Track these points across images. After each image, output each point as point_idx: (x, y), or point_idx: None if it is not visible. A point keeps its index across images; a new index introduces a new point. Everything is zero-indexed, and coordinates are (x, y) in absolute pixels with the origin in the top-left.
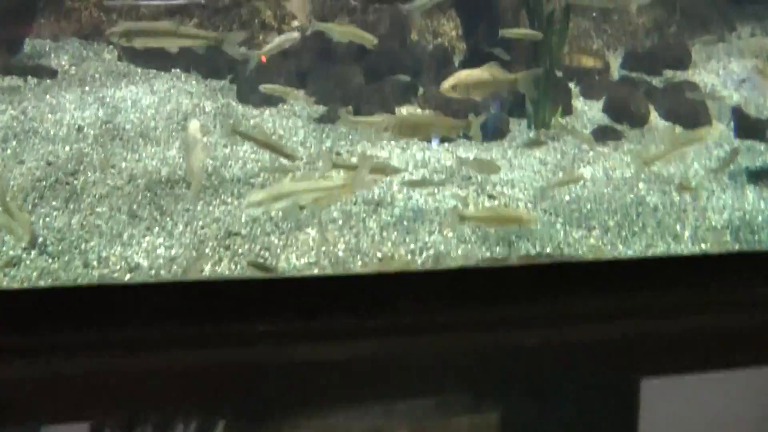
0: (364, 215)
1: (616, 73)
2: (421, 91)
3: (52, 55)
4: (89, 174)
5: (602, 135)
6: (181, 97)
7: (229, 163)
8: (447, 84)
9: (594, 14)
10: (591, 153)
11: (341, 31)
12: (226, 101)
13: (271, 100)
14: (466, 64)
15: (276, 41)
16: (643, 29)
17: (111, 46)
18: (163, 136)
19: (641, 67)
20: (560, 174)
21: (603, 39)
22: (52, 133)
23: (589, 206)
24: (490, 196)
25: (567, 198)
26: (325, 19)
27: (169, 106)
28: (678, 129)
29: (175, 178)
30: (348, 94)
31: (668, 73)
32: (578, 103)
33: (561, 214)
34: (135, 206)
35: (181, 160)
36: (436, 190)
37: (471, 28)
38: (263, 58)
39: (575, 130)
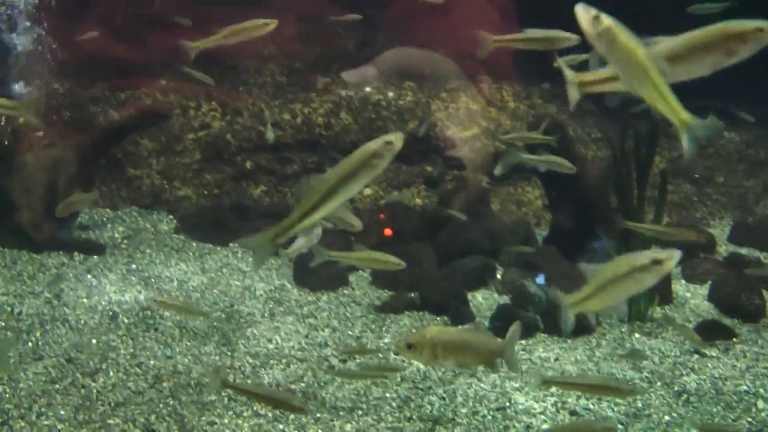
0: None
1: (722, 248)
2: (500, 273)
3: (108, 225)
4: (111, 374)
5: (709, 332)
6: (233, 278)
7: (271, 361)
8: (403, 342)
9: (696, 176)
10: (696, 357)
11: (358, 258)
12: (281, 283)
13: (330, 284)
14: (549, 241)
15: (296, 244)
16: (753, 193)
17: (171, 216)
18: (202, 327)
19: (753, 240)
20: (658, 384)
21: (707, 206)
22: (82, 321)
23: None
24: (572, 413)
25: (667, 419)
26: (399, 188)
27: (217, 288)
28: None
29: (206, 380)
30: (415, 279)
31: None
32: (679, 287)
33: None
34: (153, 417)
35: (217, 358)
36: (507, 403)
37: (558, 201)
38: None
39: (682, 327)
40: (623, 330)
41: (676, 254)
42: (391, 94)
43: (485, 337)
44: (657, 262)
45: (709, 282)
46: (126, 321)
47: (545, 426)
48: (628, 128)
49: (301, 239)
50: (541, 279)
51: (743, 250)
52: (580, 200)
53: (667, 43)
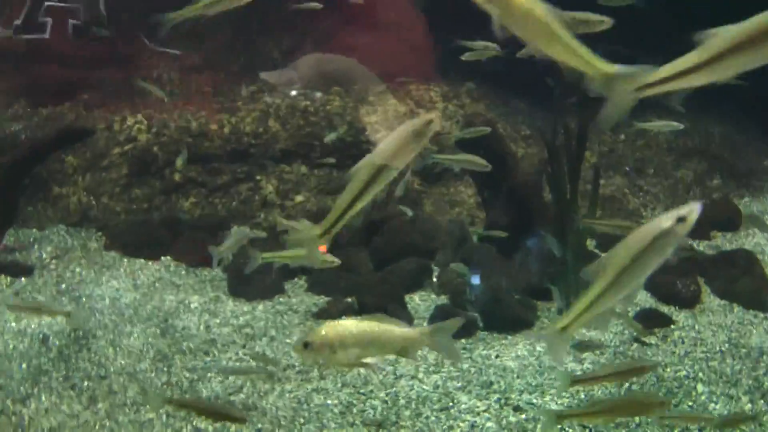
0: None
1: None
2: (435, 274)
3: (36, 246)
4: (43, 398)
5: (647, 321)
6: (166, 292)
7: (208, 374)
8: (299, 343)
9: (627, 168)
10: (635, 345)
11: (292, 256)
12: (216, 294)
13: (266, 293)
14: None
15: (224, 244)
16: (683, 184)
17: (99, 233)
18: (137, 344)
19: None
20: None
21: (639, 197)
22: (11, 347)
23: (637, 418)
24: (516, 408)
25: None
26: (332, 194)
27: (150, 304)
28: (736, 308)
29: (141, 399)
30: (352, 284)
31: (717, 237)
32: None
33: None
34: None
35: (153, 375)
36: (450, 403)
37: (491, 198)
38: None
39: (625, 317)
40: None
41: (696, 206)
42: (317, 99)
43: (392, 325)
44: (681, 220)
45: None
46: (57, 343)
47: (489, 424)
48: (558, 124)
49: (229, 240)
50: (476, 279)
51: None
52: (514, 197)
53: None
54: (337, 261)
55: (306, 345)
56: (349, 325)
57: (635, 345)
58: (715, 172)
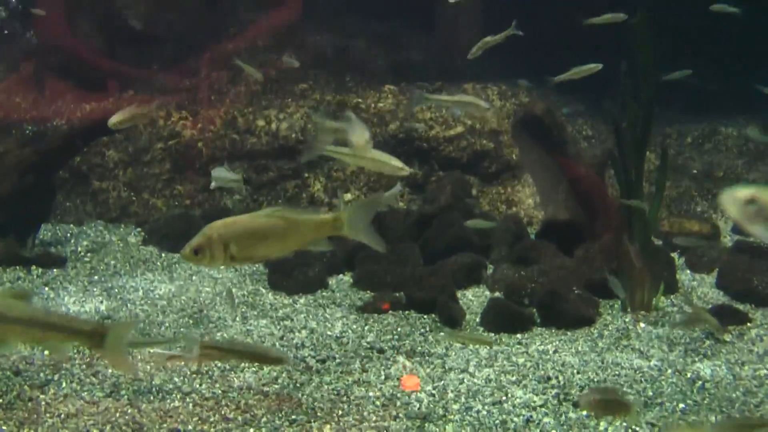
0: None
1: (727, 238)
2: (489, 270)
3: (72, 240)
4: (63, 384)
5: (721, 318)
6: (204, 285)
7: (242, 364)
8: (188, 249)
9: (694, 171)
10: (708, 342)
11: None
12: (255, 288)
13: (308, 287)
14: (543, 235)
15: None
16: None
17: (139, 229)
18: (168, 334)
19: None
20: (669, 371)
21: (707, 200)
22: None
23: (713, 418)
24: (576, 404)
25: (682, 406)
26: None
27: (185, 296)
28: None
29: (169, 387)
30: (400, 278)
31: None
32: (684, 276)
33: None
34: (108, 428)
35: (182, 363)
36: (503, 397)
37: (549, 195)
38: None
39: (699, 310)
40: (627, 320)
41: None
42: (369, 99)
43: (297, 213)
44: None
45: (716, 270)
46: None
47: (547, 419)
48: (624, 107)
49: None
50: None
51: (751, 239)
52: (575, 189)
53: None
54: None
55: (196, 251)
56: (243, 218)
57: (708, 342)
58: None
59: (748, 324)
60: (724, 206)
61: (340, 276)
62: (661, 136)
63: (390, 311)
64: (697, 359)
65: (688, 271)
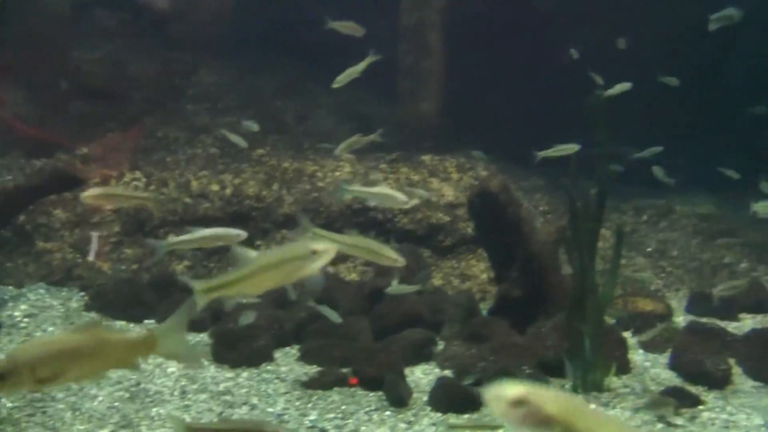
0: None
1: (680, 318)
2: (440, 347)
3: (9, 304)
4: None
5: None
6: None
7: None
8: None
9: (649, 249)
10: (659, 426)
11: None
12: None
13: (252, 359)
14: (496, 312)
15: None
16: (709, 266)
17: (83, 293)
18: (100, 408)
19: (712, 311)
20: None
21: (661, 278)
22: None
23: None
24: None
25: None
26: (333, 264)
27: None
28: None
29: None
30: (349, 353)
31: (746, 319)
32: (636, 356)
33: None
34: None
35: None
36: None
37: (503, 272)
38: None
39: (656, 395)
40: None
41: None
42: (327, 168)
43: (109, 333)
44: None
45: (669, 350)
46: (9, 405)
47: None
48: (577, 187)
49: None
50: None
51: (704, 320)
52: (529, 266)
53: None
54: None
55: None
56: (52, 339)
57: (659, 426)
58: (743, 256)
59: (700, 407)
60: (489, 405)
61: (287, 348)
62: (618, 212)
63: (335, 388)
64: None
65: (641, 351)
